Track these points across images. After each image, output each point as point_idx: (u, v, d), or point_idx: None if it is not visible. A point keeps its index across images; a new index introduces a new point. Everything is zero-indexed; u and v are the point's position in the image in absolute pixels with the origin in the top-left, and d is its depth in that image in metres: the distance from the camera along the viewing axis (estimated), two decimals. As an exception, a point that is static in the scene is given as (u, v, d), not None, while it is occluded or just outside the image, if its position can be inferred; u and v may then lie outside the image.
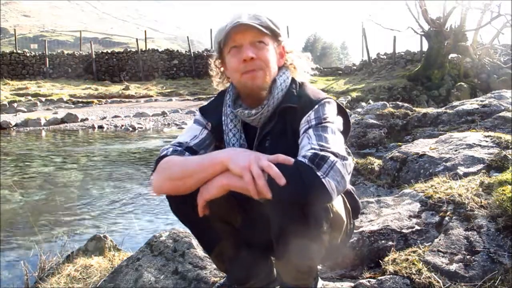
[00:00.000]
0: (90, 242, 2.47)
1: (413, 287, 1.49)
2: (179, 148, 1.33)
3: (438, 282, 1.47)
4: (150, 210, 4.27)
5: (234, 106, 1.38)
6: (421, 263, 1.58)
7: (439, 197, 1.97)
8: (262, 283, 1.47)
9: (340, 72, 20.15)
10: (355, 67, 20.11)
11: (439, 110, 5.05)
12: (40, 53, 20.75)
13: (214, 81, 1.48)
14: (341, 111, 1.35)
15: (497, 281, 1.45)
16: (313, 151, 1.12)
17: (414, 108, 5.31)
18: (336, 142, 1.17)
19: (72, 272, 2.11)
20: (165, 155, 1.30)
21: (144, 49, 21.31)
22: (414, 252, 1.67)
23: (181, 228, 2.04)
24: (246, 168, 1.08)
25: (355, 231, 1.78)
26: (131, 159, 7.15)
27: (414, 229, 1.82)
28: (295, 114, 1.29)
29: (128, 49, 22.47)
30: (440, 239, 1.70)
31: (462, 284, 1.46)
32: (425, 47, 16.94)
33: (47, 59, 20.12)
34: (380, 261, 1.68)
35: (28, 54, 20.37)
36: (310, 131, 1.21)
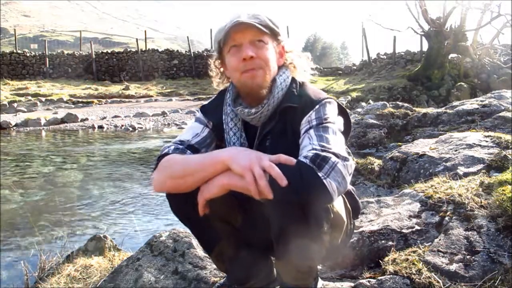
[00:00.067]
0: (90, 242, 2.47)
1: (413, 287, 1.49)
2: (181, 146, 1.33)
3: (438, 282, 1.47)
4: (150, 210, 4.27)
5: (234, 104, 1.38)
6: (421, 263, 1.57)
7: (439, 197, 1.97)
8: (262, 283, 1.47)
9: (340, 72, 20.15)
10: (355, 67, 20.11)
11: (439, 110, 5.05)
12: (40, 53, 20.76)
13: (214, 81, 1.49)
14: (341, 111, 1.35)
15: (497, 281, 1.45)
16: (314, 151, 1.12)
17: (414, 108, 5.31)
18: (337, 142, 1.17)
19: (72, 272, 2.11)
20: (167, 153, 1.30)
21: (144, 49, 21.31)
22: (414, 252, 1.67)
23: (181, 228, 2.04)
24: (248, 168, 1.08)
25: (355, 231, 1.78)
26: (131, 159, 7.15)
27: (414, 229, 1.82)
28: (295, 114, 1.29)
29: (128, 49, 22.47)
30: (440, 239, 1.70)
31: (462, 284, 1.46)
32: (425, 47, 16.95)
33: (47, 59, 20.13)
34: (380, 261, 1.68)
35: (28, 54, 20.37)
36: (311, 131, 1.21)
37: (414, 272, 1.53)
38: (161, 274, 1.79)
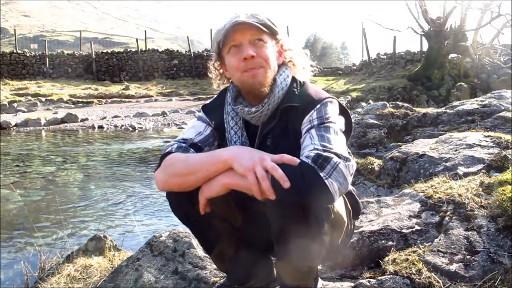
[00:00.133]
0: (90, 242, 2.46)
1: (413, 287, 1.49)
2: (184, 145, 1.33)
3: (438, 282, 1.47)
4: (150, 210, 4.27)
5: (234, 103, 1.38)
6: (421, 263, 1.57)
7: (439, 197, 1.97)
8: (262, 283, 1.47)
9: (340, 72, 20.16)
10: (355, 67, 20.12)
11: (439, 110, 5.05)
12: (40, 53, 20.76)
13: (214, 83, 1.49)
14: (342, 110, 1.35)
15: (497, 281, 1.45)
16: (316, 151, 1.12)
17: (414, 108, 5.31)
18: (338, 142, 1.17)
19: (72, 272, 2.11)
20: (170, 152, 1.30)
21: (144, 49, 21.31)
22: (414, 252, 1.67)
23: (181, 228, 2.04)
24: (250, 168, 1.08)
25: (355, 231, 1.78)
26: (131, 159, 7.15)
27: (414, 229, 1.82)
28: (297, 114, 1.29)
29: (128, 49, 22.47)
30: (440, 239, 1.70)
31: (462, 284, 1.46)
32: (425, 47, 16.95)
33: (47, 59, 20.13)
34: (380, 261, 1.68)
35: (28, 54, 20.37)
36: (313, 131, 1.21)
37: (414, 272, 1.53)
38: (161, 274, 1.79)
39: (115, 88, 17.82)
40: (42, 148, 8.46)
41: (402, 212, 1.97)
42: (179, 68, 21.00)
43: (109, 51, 21.69)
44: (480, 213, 1.77)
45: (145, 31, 23.70)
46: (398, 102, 5.64)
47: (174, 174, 1.23)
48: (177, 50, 22.13)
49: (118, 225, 3.83)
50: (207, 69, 1.51)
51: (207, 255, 1.85)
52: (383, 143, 4.36)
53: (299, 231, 1.13)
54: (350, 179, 1.12)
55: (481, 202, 1.84)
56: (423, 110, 5.12)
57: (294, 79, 1.39)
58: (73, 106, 14.90)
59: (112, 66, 20.91)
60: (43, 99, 15.29)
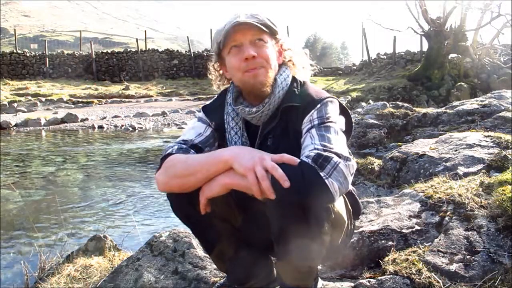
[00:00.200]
0: (90, 242, 2.46)
1: (413, 287, 1.49)
2: (184, 146, 1.33)
3: (438, 282, 1.47)
4: (150, 210, 4.27)
5: (235, 104, 1.38)
6: (421, 263, 1.57)
7: (439, 197, 1.97)
8: (262, 283, 1.47)
9: (340, 72, 20.16)
10: (355, 67, 20.12)
11: (439, 110, 5.05)
12: (40, 53, 20.76)
13: (214, 84, 1.49)
14: (343, 110, 1.35)
15: (497, 281, 1.45)
16: (316, 151, 1.12)
17: (414, 108, 5.31)
18: (339, 142, 1.17)
19: (72, 272, 2.11)
20: (170, 153, 1.30)
21: (144, 49, 21.31)
22: (414, 252, 1.67)
23: (181, 228, 2.04)
24: (250, 168, 1.09)
25: (355, 231, 1.78)
26: (131, 159, 7.15)
27: (414, 229, 1.82)
28: (297, 113, 1.29)
29: (128, 49, 22.47)
30: (440, 239, 1.70)
31: (462, 284, 1.46)
32: (425, 47, 16.95)
33: (47, 59, 20.13)
34: (380, 261, 1.68)
35: (28, 54, 20.37)
36: (313, 130, 1.21)
37: (414, 272, 1.53)
38: (161, 274, 1.79)
39: (115, 88, 17.82)
40: (42, 148, 8.47)
41: (402, 212, 1.97)
42: (179, 68, 21.01)
43: (109, 51, 21.69)
44: (480, 213, 1.77)
45: (145, 31, 23.70)
46: (398, 102, 5.64)
47: (175, 175, 1.23)
48: (177, 50, 22.13)
49: (118, 225, 3.83)
50: (207, 69, 1.51)
51: (207, 255, 1.85)
52: (383, 143, 4.36)
53: (299, 231, 1.13)
54: (350, 178, 1.12)
55: (481, 202, 1.84)
56: (423, 110, 5.12)
57: (294, 79, 1.39)
58: (73, 106, 14.90)
59: (112, 66, 20.91)
60: (43, 99, 15.29)
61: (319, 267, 1.76)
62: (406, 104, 5.47)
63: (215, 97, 1.51)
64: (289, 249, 1.16)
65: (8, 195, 4.83)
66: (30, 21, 68.46)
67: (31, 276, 2.37)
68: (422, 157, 2.94)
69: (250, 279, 1.45)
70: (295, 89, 1.35)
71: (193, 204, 1.23)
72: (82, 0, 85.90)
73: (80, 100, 15.59)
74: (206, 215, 1.24)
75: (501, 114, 4.14)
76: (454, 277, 1.50)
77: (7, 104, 13.99)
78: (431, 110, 5.10)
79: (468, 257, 1.57)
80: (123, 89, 17.47)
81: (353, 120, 1.51)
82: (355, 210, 1.43)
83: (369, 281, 1.54)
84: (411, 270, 1.54)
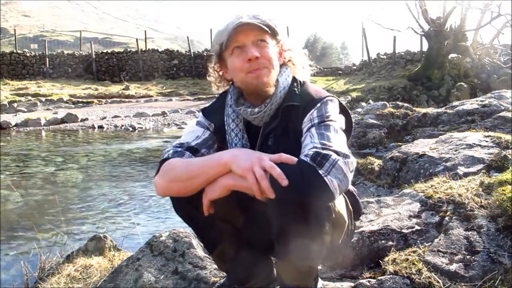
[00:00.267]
0: (90, 242, 2.46)
1: (413, 287, 1.49)
2: (179, 149, 1.33)
3: (438, 282, 1.47)
4: (150, 210, 4.27)
5: (236, 104, 1.38)
6: (421, 263, 1.58)
7: (439, 197, 1.97)
8: (262, 283, 1.47)
9: (340, 72, 20.16)
10: (355, 67, 20.11)
11: (439, 110, 5.05)
12: (40, 53, 20.75)
13: (214, 86, 1.49)
14: (343, 110, 1.35)
15: (497, 281, 1.45)
16: (315, 149, 1.12)
17: (414, 108, 5.31)
18: (338, 140, 1.18)
19: (72, 272, 2.11)
20: (167, 158, 1.30)
21: (144, 49, 21.31)
22: (414, 252, 1.67)
23: (181, 228, 2.05)
24: (249, 169, 1.09)
25: (355, 231, 1.78)
26: (131, 159, 7.15)
27: (414, 229, 1.82)
28: (297, 113, 1.30)
29: (128, 49, 22.47)
30: (440, 239, 1.70)
31: (462, 284, 1.46)
32: (425, 47, 16.95)
33: (47, 59, 20.12)
34: (380, 261, 1.68)
35: (28, 54, 20.36)
36: (313, 129, 1.21)
37: (414, 272, 1.53)
38: (161, 274, 1.79)
39: (115, 88, 17.82)
40: (42, 148, 8.46)
41: (402, 212, 1.97)
42: (179, 68, 21.00)
43: (109, 51, 21.69)
44: (480, 213, 1.77)
45: (145, 31, 23.70)
46: (398, 102, 5.64)
47: (175, 179, 1.24)
48: (177, 50, 22.12)
49: (118, 225, 3.83)
50: (207, 70, 1.51)
51: (207, 255, 1.86)
52: (383, 143, 4.36)
53: (299, 230, 1.13)
54: (350, 176, 1.12)
55: (481, 202, 1.84)
56: (423, 110, 5.12)
57: (294, 79, 1.39)
58: (73, 106, 14.90)
59: (112, 66, 20.91)
60: (43, 99, 15.29)
61: (319, 267, 1.76)
62: (406, 104, 5.47)
63: (214, 99, 1.51)
64: (289, 249, 1.17)
65: (8, 195, 4.83)
66: (30, 21, 68.46)
67: (31, 276, 2.37)
68: (422, 157, 2.94)
69: (250, 279, 1.45)
70: (295, 89, 1.36)
71: (194, 204, 1.23)
72: (82, 0, 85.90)
73: (80, 100, 15.59)
74: (208, 216, 1.24)
75: (501, 114, 4.14)
76: (454, 277, 1.50)
77: (7, 104, 13.99)
78: (431, 110, 5.10)
79: (468, 257, 1.57)
80: (123, 89, 17.47)
81: (353, 120, 1.52)
82: (356, 210, 1.43)
83: (369, 281, 1.55)
84: (411, 270, 1.54)
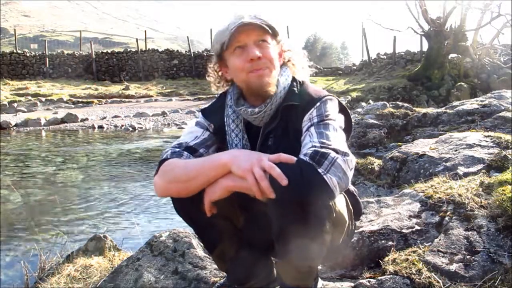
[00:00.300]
0: (90, 242, 2.46)
1: (413, 287, 1.49)
2: (178, 150, 1.33)
3: (438, 282, 1.47)
4: (150, 210, 4.27)
5: (236, 105, 1.38)
6: (421, 263, 1.58)
7: (439, 197, 1.97)
8: (262, 283, 1.47)
9: (340, 72, 20.16)
10: (355, 67, 20.12)
11: (439, 110, 5.05)
12: (40, 53, 20.75)
13: (213, 85, 1.49)
14: (342, 109, 1.35)
15: (497, 281, 1.45)
16: (314, 148, 1.12)
17: (414, 108, 5.30)
18: (337, 138, 1.18)
19: (72, 272, 2.11)
20: (166, 158, 1.30)
21: (144, 49, 21.30)
22: (414, 252, 1.67)
23: (181, 228, 2.05)
24: (249, 170, 1.09)
25: (355, 231, 1.78)
26: (131, 159, 7.15)
27: (414, 229, 1.82)
28: (297, 112, 1.30)
29: (128, 49, 22.47)
30: (440, 239, 1.70)
31: (462, 284, 1.46)
32: (425, 47, 16.95)
33: (47, 59, 20.12)
34: (380, 261, 1.68)
35: (28, 54, 20.36)
36: (312, 129, 1.22)
37: (414, 272, 1.53)
38: (161, 274, 1.79)
39: (115, 88, 17.82)
40: (42, 148, 8.46)
41: (402, 212, 1.97)
42: (179, 68, 21.00)
43: (109, 51, 21.68)
44: (480, 213, 1.77)
45: (145, 31, 23.69)
46: (398, 102, 5.63)
47: (174, 180, 1.24)
48: (177, 50, 22.12)
49: (118, 225, 3.83)
50: (207, 70, 1.50)
51: (207, 255, 1.86)
52: (383, 143, 4.35)
53: (299, 230, 1.13)
54: (350, 173, 1.13)
55: (481, 202, 1.84)
56: (423, 110, 5.12)
57: (294, 79, 1.40)
58: (73, 106, 14.90)
59: (112, 66, 20.90)
60: (43, 99, 15.29)
61: (319, 267, 1.76)
62: (406, 104, 5.47)
63: (214, 100, 1.51)
64: (290, 249, 1.17)
65: (8, 195, 4.84)
66: (30, 21, 68.47)
67: (31, 276, 2.37)
68: (422, 157, 2.94)
69: (250, 279, 1.45)
70: (295, 89, 1.36)
71: (195, 204, 1.23)
72: (82, 0, 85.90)
73: (80, 100, 15.59)
74: (208, 216, 1.24)
75: (501, 114, 4.14)
76: (454, 277, 1.50)
77: (7, 104, 13.99)
78: (431, 110, 5.09)
79: (468, 257, 1.57)
80: (123, 89, 17.46)
81: (353, 120, 1.52)
82: (356, 211, 1.43)
83: (369, 281, 1.55)
84: (411, 270, 1.54)
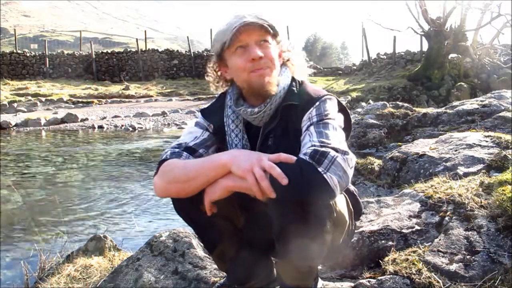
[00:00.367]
0: (90, 242, 2.46)
1: (413, 287, 1.49)
2: (177, 150, 1.33)
3: (438, 282, 1.47)
4: (150, 210, 4.27)
5: (236, 105, 1.38)
6: (421, 263, 1.58)
7: (439, 197, 1.97)
8: (262, 283, 1.47)
9: (340, 72, 20.16)
10: (355, 67, 20.11)
11: (439, 110, 5.05)
12: (40, 53, 20.75)
13: (212, 85, 1.48)
14: (341, 108, 1.36)
15: (497, 281, 1.45)
16: (314, 147, 1.12)
17: (414, 108, 5.30)
18: (337, 137, 1.18)
19: (72, 272, 2.11)
20: (166, 159, 1.30)
21: (144, 49, 21.30)
22: (414, 252, 1.67)
23: (181, 228, 2.05)
24: (249, 170, 1.09)
25: (355, 231, 1.78)
26: (131, 159, 7.15)
27: (414, 229, 1.82)
28: (296, 112, 1.30)
29: (128, 49, 22.46)
30: (440, 239, 1.70)
31: (462, 284, 1.46)
32: (425, 47, 16.95)
33: (47, 59, 20.12)
34: (380, 261, 1.68)
35: (28, 54, 20.36)
36: (312, 128, 1.22)
37: (414, 272, 1.53)
38: (161, 274, 1.79)
39: (115, 88, 17.82)
40: (42, 148, 8.46)
41: (402, 212, 1.97)
42: (179, 68, 21.00)
43: (109, 51, 21.68)
44: (480, 213, 1.77)
45: (145, 31, 23.69)
46: (398, 102, 5.63)
47: (174, 180, 1.24)
48: (177, 50, 22.11)
49: (118, 225, 3.83)
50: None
51: (207, 255, 1.86)
52: (383, 143, 4.35)
53: (299, 230, 1.13)
54: (350, 172, 1.13)
55: (481, 202, 1.84)
56: (423, 110, 5.12)
57: (293, 79, 1.40)
58: (73, 106, 14.90)
59: (112, 66, 20.90)
60: (43, 99, 15.29)
61: (319, 267, 1.76)
62: (406, 104, 5.47)
63: (213, 100, 1.51)
64: (290, 249, 1.17)
65: (8, 195, 4.83)
66: (30, 21, 68.45)
67: (31, 276, 2.37)
68: (422, 157, 2.94)
69: (250, 279, 1.45)
70: (294, 88, 1.36)
71: (195, 204, 1.23)
72: (82, 0, 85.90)
73: (80, 100, 15.59)
74: (208, 216, 1.25)
75: (501, 114, 4.14)
76: (454, 277, 1.50)
77: (7, 104, 13.99)
78: (431, 110, 5.09)
79: (468, 257, 1.57)
80: (123, 89, 17.46)
81: (353, 120, 1.52)
82: (356, 211, 1.43)
83: (369, 281, 1.55)
84: (411, 270, 1.54)
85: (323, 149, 1.11)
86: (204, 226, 1.34)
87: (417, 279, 1.50)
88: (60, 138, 9.90)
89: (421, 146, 3.22)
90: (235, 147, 1.36)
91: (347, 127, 1.35)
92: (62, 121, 12.05)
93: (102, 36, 57.16)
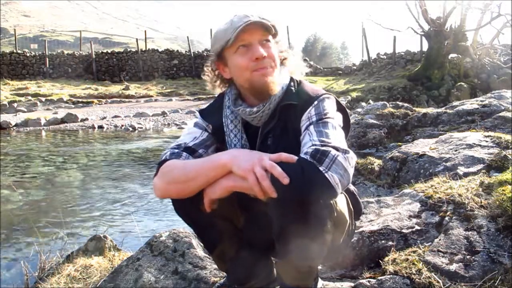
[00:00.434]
0: (90, 242, 2.46)
1: (413, 287, 1.49)
2: (177, 150, 1.33)
3: (438, 282, 1.47)
4: (150, 210, 4.27)
5: (234, 105, 1.38)
6: (421, 263, 1.58)
7: (439, 197, 1.97)
8: (262, 283, 1.47)
9: (340, 72, 20.16)
10: (355, 67, 20.11)
11: (439, 110, 5.05)
12: (40, 53, 20.74)
13: (209, 84, 1.48)
14: (340, 108, 1.36)
15: (497, 281, 1.45)
16: (314, 147, 1.12)
17: (414, 108, 5.30)
18: (336, 136, 1.18)
19: (72, 272, 2.11)
20: (165, 160, 1.30)
21: (144, 49, 21.30)
22: (414, 252, 1.67)
23: (181, 228, 2.05)
24: (250, 170, 1.09)
25: (355, 231, 1.78)
26: (131, 159, 7.15)
27: (414, 229, 1.82)
28: (295, 112, 1.30)
29: (128, 49, 22.46)
30: (440, 239, 1.70)
31: (462, 284, 1.46)
32: (425, 47, 16.95)
33: (47, 59, 20.11)
34: (380, 261, 1.68)
35: (28, 54, 20.35)
36: (311, 127, 1.22)
37: (414, 272, 1.53)
38: (161, 274, 1.79)
39: (115, 88, 17.81)
40: (42, 148, 8.46)
41: (402, 212, 1.97)
42: (179, 68, 21.00)
43: (109, 51, 21.67)
44: (480, 213, 1.77)
45: (145, 31, 23.69)
46: (398, 102, 5.63)
47: (173, 181, 1.23)
48: (177, 50, 22.11)
49: (118, 225, 3.83)
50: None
51: (207, 255, 1.86)
52: (383, 143, 4.35)
53: (300, 230, 1.13)
54: (351, 171, 1.12)
55: (481, 202, 1.84)
56: (423, 110, 5.11)
57: (291, 78, 1.41)
58: (73, 106, 14.89)
59: (112, 66, 20.90)
60: (43, 99, 15.28)
61: (319, 267, 1.76)
62: (406, 104, 5.46)
63: (212, 101, 1.51)
64: (290, 249, 1.17)
65: (8, 195, 4.83)
66: (30, 21, 68.46)
67: (31, 276, 2.37)
68: (422, 157, 2.94)
69: (250, 279, 1.45)
70: (292, 88, 1.37)
71: (195, 204, 1.23)
72: (82, 0, 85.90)
73: (80, 100, 15.58)
74: (208, 215, 1.25)
75: (501, 114, 4.13)
76: (454, 277, 1.50)
77: (7, 104, 13.99)
78: (431, 110, 5.09)
79: (468, 257, 1.57)
80: (123, 89, 17.46)
81: (353, 120, 1.52)
82: (356, 210, 1.43)
83: (369, 281, 1.55)
84: (411, 270, 1.54)
85: (324, 148, 1.11)
86: (204, 226, 1.34)
87: (417, 279, 1.50)
88: (60, 138, 9.90)
89: (421, 146, 3.22)
90: (234, 147, 1.36)
91: (346, 126, 1.35)
92: (62, 121, 12.04)
93: (102, 36, 57.18)
